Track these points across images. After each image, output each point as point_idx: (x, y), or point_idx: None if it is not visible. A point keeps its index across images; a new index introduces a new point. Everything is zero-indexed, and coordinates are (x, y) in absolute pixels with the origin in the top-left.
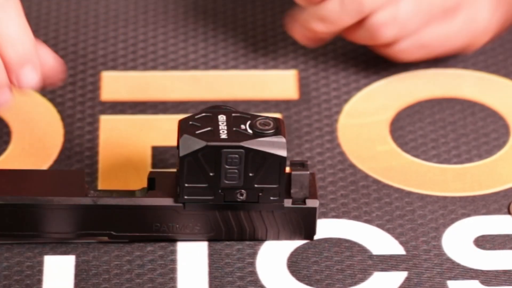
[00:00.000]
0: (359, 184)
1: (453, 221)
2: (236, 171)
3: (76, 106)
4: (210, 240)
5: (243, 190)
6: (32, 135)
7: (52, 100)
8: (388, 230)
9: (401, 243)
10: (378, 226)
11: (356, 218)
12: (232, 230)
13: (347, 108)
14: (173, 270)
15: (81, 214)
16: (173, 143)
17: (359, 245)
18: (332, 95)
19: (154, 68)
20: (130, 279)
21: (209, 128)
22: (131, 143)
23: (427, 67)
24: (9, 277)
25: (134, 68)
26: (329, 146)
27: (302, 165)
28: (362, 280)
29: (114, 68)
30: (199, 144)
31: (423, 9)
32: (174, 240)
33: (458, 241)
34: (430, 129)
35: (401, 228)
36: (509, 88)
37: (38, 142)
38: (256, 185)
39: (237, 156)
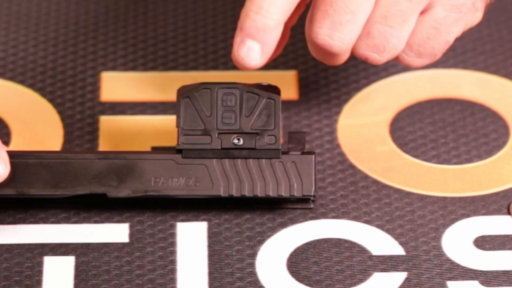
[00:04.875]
0: (359, 184)
1: (452, 221)
2: (231, 112)
3: (76, 106)
4: (209, 201)
5: (239, 136)
6: (32, 135)
7: (52, 100)
8: (387, 231)
9: (401, 243)
10: (378, 226)
11: (356, 218)
12: (231, 184)
13: (347, 108)
14: (173, 271)
15: (84, 167)
16: (173, 143)
17: (359, 246)
18: (332, 95)
19: (154, 68)
20: (130, 280)
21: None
22: (131, 143)
23: (427, 67)
24: (9, 277)
25: (134, 68)
26: (329, 146)
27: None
28: (361, 280)
29: (114, 68)
30: (195, 85)
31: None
32: (173, 200)
33: (458, 241)
34: (430, 130)
35: (400, 229)
36: (509, 88)
37: (38, 142)
38: (252, 128)
39: (232, 95)
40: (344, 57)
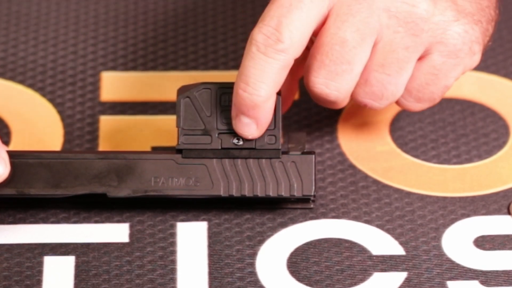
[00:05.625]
0: (359, 184)
1: (453, 221)
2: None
3: (76, 106)
4: (209, 201)
5: (239, 136)
6: (32, 135)
7: (52, 100)
8: (388, 231)
9: (401, 243)
10: (378, 226)
11: (356, 218)
12: (231, 184)
13: (347, 108)
14: (173, 271)
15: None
16: (173, 143)
17: (359, 246)
18: None
19: (154, 68)
20: (130, 280)
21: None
22: (131, 143)
23: None
24: (9, 277)
25: (134, 68)
26: (329, 146)
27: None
28: (362, 280)
29: (114, 68)
30: (195, 85)
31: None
32: (173, 200)
33: (458, 241)
34: (430, 130)
35: (401, 229)
36: (509, 88)
37: (38, 142)
38: None
39: (232, 94)
40: (343, 103)
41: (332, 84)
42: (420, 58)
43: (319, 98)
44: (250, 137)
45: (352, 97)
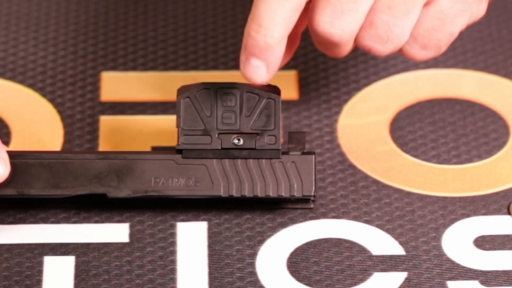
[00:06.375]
0: (359, 184)
1: (453, 221)
2: (231, 112)
3: (76, 106)
4: (209, 201)
5: (239, 136)
6: (32, 135)
7: (52, 100)
8: (388, 231)
9: (401, 243)
10: (378, 226)
11: (356, 218)
12: (231, 184)
13: (347, 108)
14: (173, 271)
15: (84, 167)
16: (173, 143)
17: (359, 246)
18: (332, 95)
19: (154, 68)
20: (130, 280)
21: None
22: (131, 143)
23: (427, 67)
24: (9, 277)
25: (134, 68)
26: (329, 146)
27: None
28: (362, 280)
29: (114, 68)
30: (195, 85)
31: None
32: (173, 200)
33: (458, 241)
34: (429, 130)
35: (401, 229)
36: (509, 88)
37: (38, 142)
38: (252, 129)
39: (232, 95)
40: (346, 47)
41: (336, 23)
42: (427, 3)
43: (322, 39)
44: (259, 81)
45: (356, 41)
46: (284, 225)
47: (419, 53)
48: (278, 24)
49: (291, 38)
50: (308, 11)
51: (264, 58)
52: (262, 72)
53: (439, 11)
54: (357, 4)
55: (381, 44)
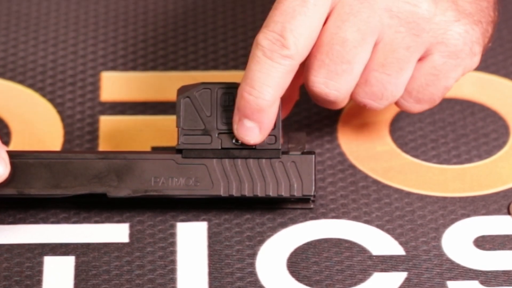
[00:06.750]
0: (359, 184)
1: (452, 221)
2: (231, 112)
3: (76, 106)
4: (209, 201)
5: None
6: (32, 135)
7: (52, 100)
8: (387, 231)
9: (401, 243)
10: (378, 226)
11: (356, 218)
12: (231, 184)
13: (347, 108)
14: (173, 271)
15: (84, 167)
16: (173, 143)
17: (359, 246)
18: None
19: (154, 68)
20: (130, 280)
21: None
22: (131, 143)
23: None
24: (9, 277)
25: (134, 68)
26: (329, 146)
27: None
28: (361, 280)
29: (114, 68)
30: (195, 85)
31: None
32: (173, 200)
33: (458, 241)
34: (429, 130)
35: (400, 229)
36: (509, 88)
37: (38, 142)
38: None
39: (232, 95)
40: (342, 103)
41: (331, 83)
42: (421, 59)
43: (318, 98)
44: (252, 142)
45: (352, 97)
46: (284, 225)
47: (414, 106)
48: (271, 87)
49: (289, 93)
50: (304, 67)
51: (257, 119)
52: (255, 133)
53: (433, 67)
54: (351, 65)
55: (375, 101)
